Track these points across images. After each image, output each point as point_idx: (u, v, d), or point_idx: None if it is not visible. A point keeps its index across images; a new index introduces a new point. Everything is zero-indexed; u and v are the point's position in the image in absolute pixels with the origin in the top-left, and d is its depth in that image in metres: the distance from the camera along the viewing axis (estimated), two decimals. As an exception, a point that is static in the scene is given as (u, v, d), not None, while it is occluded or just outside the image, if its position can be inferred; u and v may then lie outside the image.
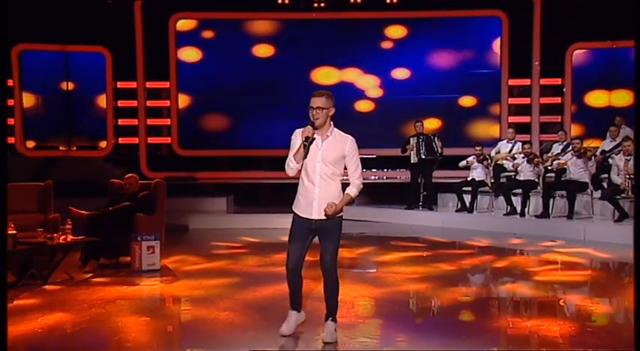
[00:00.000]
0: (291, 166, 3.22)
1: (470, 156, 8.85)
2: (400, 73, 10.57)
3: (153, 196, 6.06)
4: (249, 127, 10.71)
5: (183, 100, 10.80)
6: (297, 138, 3.26)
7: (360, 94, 10.62)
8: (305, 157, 3.19)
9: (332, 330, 3.43)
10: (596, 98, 10.24)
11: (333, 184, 3.27)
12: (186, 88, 10.79)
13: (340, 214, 3.32)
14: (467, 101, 10.61)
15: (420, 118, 9.13)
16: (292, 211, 3.34)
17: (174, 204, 7.83)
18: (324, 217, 3.23)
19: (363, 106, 10.68)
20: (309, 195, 3.25)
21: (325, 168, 3.23)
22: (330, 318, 3.44)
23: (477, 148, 8.72)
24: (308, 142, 3.17)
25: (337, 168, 3.26)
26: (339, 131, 3.31)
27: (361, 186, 3.31)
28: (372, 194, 9.98)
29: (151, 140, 10.88)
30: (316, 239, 3.37)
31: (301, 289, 3.43)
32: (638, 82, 3.59)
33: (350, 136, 3.31)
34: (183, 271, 5.53)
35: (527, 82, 10.53)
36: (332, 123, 3.29)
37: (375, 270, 5.78)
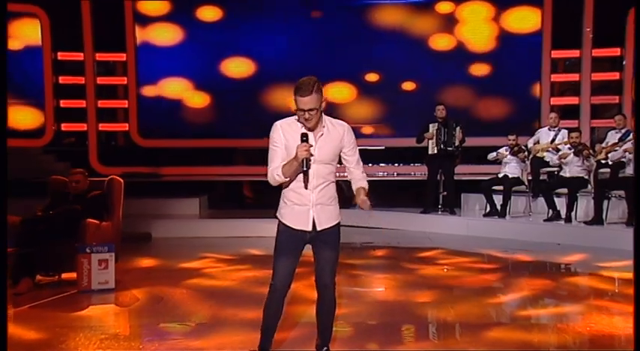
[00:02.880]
0: (278, 180, 3.21)
1: (502, 147, 8.83)
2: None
3: (106, 196, 6.04)
4: (228, 112, 10.69)
5: (145, 77, 10.76)
6: (280, 136, 3.20)
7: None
8: (305, 176, 3.18)
9: None
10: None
11: (330, 186, 3.32)
12: (148, 62, 10.74)
13: (339, 219, 3.36)
14: (497, 78, 10.59)
15: (441, 101, 9.07)
16: (280, 221, 3.34)
17: (134, 207, 7.77)
18: (325, 227, 3.28)
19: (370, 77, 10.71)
20: (302, 202, 3.26)
21: (322, 168, 3.24)
22: (325, 348, 3.47)
23: (511, 137, 8.69)
24: (307, 166, 3.12)
25: (334, 165, 3.31)
26: (330, 119, 3.29)
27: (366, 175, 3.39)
28: (379, 195, 9.90)
29: (104, 127, 10.85)
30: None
31: (279, 321, 3.41)
32: (638, 82, 3.66)
33: (345, 123, 3.31)
34: (144, 292, 5.51)
35: (575, 53, 10.49)
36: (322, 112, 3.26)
37: (383, 289, 5.78)
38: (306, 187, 3.19)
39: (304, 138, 3.12)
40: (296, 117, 3.21)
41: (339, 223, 3.36)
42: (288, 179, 3.20)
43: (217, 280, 5.98)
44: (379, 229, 8.94)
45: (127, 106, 10.78)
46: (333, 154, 3.27)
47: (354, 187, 3.39)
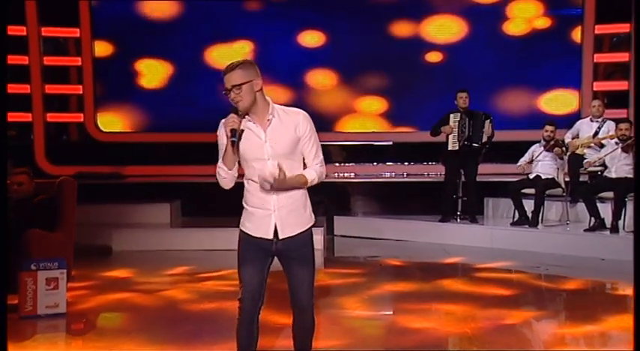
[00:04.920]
0: (223, 175, 3.34)
1: (534, 144, 8.79)
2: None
3: (56, 202, 6.01)
4: (204, 100, 10.64)
5: (103, 54, 10.71)
6: (223, 133, 3.33)
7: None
8: (236, 158, 3.30)
9: None
10: None
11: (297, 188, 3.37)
12: (107, 37, 10.70)
13: (309, 224, 3.43)
14: (530, 59, 10.57)
15: (464, 88, 9.00)
16: (240, 229, 3.45)
17: (90, 214, 7.78)
18: (290, 235, 3.36)
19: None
20: (263, 206, 3.36)
21: (281, 164, 3.29)
22: None
23: (549, 128, 8.65)
24: (236, 136, 3.25)
25: (295, 160, 3.38)
26: (283, 107, 3.40)
27: (324, 175, 3.43)
28: (386, 199, 9.98)
29: (53, 117, 10.78)
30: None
31: (256, 343, 3.46)
32: (637, 80, 3.89)
33: (301, 111, 3.42)
34: (102, 317, 5.50)
35: (624, 27, 10.44)
36: (269, 99, 3.38)
37: (391, 312, 5.79)
38: (233, 153, 3.25)
39: (233, 110, 3.26)
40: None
41: (309, 231, 3.43)
42: (233, 172, 3.31)
43: (192, 302, 5.94)
44: (386, 240, 8.94)
45: (81, 92, 10.70)
46: (290, 146, 3.33)
47: None
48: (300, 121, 3.34)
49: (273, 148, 3.29)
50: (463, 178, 8.94)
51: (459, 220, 9.00)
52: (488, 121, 8.66)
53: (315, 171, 3.37)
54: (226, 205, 10.06)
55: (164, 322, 5.39)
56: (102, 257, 7.97)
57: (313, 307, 3.47)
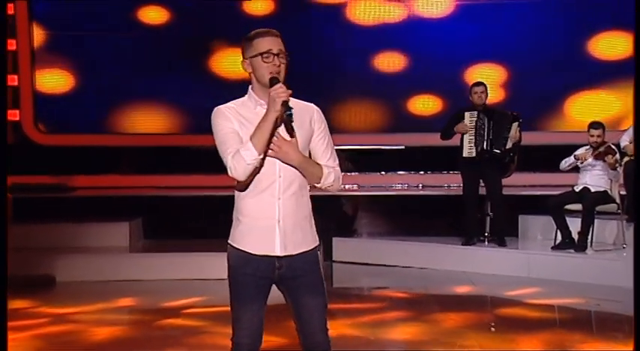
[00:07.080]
0: (249, 160, 3.27)
1: (581, 147, 8.80)
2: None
3: (-17, 221, 5.97)
4: (170, 93, 10.66)
5: (42, 39, 10.73)
6: (230, 119, 3.38)
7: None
8: (288, 125, 3.29)
9: None
10: None
11: (305, 197, 3.47)
12: (48, 18, 10.70)
13: (315, 244, 3.48)
14: (574, 45, 10.73)
15: (480, 80, 9.05)
16: (232, 247, 3.45)
17: (29, 236, 7.76)
18: (298, 252, 3.40)
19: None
20: (266, 215, 3.38)
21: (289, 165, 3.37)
22: None
23: (594, 132, 8.65)
24: (291, 110, 3.29)
25: None
26: (294, 99, 3.44)
27: (340, 182, 3.52)
28: (397, 217, 9.99)
29: (-16, 116, 10.78)
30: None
31: None
32: (638, 81, 4.14)
33: (314, 105, 3.55)
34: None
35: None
36: None
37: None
38: (291, 136, 3.30)
39: (275, 81, 3.30)
40: (240, 100, 3.44)
41: (316, 252, 3.49)
42: (261, 157, 3.28)
43: (154, 345, 5.91)
44: (397, 267, 8.94)
45: (16, 83, 10.72)
46: (304, 139, 3.42)
47: None
48: (314, 113, 3.49)
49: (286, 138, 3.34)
50: (483, 191, 8.92)
51: (487, 242, 9.01)
52: (517, 123, 8.60)
53: (334, 172, 3.45)
54: (198, 225, 10.18)
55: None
56: (43, 290, 7.93)
57: (330, 343, 3.48)
